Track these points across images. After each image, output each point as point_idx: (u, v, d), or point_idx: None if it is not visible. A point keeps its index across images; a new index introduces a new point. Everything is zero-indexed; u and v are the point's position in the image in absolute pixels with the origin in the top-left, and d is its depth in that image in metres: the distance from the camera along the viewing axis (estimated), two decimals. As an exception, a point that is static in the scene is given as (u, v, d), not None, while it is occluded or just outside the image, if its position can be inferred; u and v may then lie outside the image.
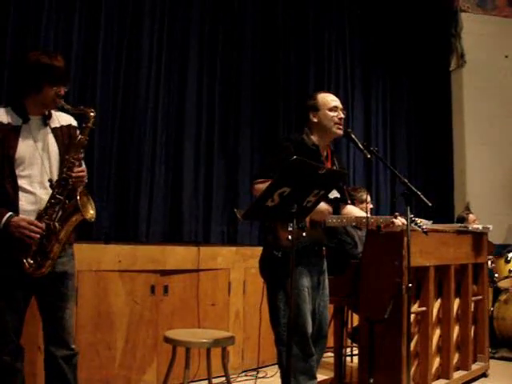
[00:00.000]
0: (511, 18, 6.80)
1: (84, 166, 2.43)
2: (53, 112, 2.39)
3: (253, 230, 4.65)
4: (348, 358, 4.07)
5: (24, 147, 2.25)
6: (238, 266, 3.99)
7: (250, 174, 4.69)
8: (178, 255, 3.62)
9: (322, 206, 2.51)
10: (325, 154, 2.72)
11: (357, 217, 2.69)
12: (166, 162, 4.17)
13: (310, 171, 2.14)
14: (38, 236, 2.19)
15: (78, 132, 2.39)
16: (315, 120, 2.67)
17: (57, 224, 2.23)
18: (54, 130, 2.36)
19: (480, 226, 3.93)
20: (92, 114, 2.34)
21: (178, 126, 4.30)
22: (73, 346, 2.34)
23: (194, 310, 3.65)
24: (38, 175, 2.27)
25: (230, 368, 3.54)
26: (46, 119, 2.35)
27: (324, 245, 2.69)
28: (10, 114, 2.28)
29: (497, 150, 6.52)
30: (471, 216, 5.14)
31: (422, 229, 2.66)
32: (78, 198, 2.24)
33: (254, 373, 3.90)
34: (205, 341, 2.67)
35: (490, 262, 4.79)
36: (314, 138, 2.67)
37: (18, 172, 2.23)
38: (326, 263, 2.75)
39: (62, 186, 2.25)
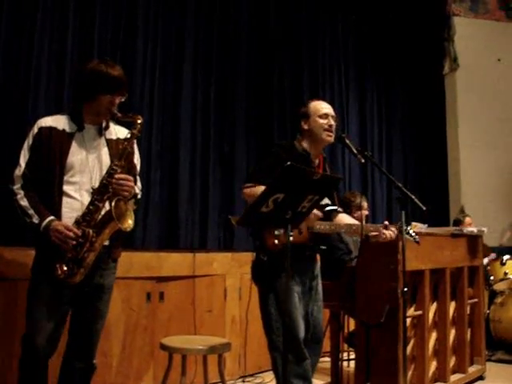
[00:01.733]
0: (503, 21, 6.86)
1: (139, 183, 2.42)
2: (111, 124, 2.37)
3: (249, 236, 4.65)
4: (345, 363, 4.06)
5: (75, 154, 2.24)
6: (233, 271, 3.98)
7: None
8: (173, 261, 3.61)
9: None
10: (317, 161, 2.72)
11: (346, 224, 2.66)
12: (161, 167, 4.18)
13: (304, 177, 2.14)
14: (74, 242, 2.14)
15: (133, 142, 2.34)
16: (306, 127, 2.68)
17: (91, 231, 2.16)
18: (109, 142, 2.33)
19: (475, 229, 3.94)
20: (139, 121, 2.30)
21: (173, 131, 4.31)
22: (94, 361, 2.31)
23: (190, 317, 3.63)
24: (87, 183, 2.25)
25: (227, 374, 3.52)
26: (101, 129, 2.32)
27: (315, 249, 2.68)
28: (67, 121, 2.28)
29: (490, 153, 6.56)
30: (467, 219, 5.16)
31: (415, 239, 2.63)
32: (114, 205, 2.16)
33: (252, 378, 3.89)
34: (201, 348, 2.66)
35: (485, 261, 4.81)
36: (305, 145, 2.68)
37: (66, 178, 2.22)
38: (318, 268, 2.74)
39: (100, 193, 2.20)
